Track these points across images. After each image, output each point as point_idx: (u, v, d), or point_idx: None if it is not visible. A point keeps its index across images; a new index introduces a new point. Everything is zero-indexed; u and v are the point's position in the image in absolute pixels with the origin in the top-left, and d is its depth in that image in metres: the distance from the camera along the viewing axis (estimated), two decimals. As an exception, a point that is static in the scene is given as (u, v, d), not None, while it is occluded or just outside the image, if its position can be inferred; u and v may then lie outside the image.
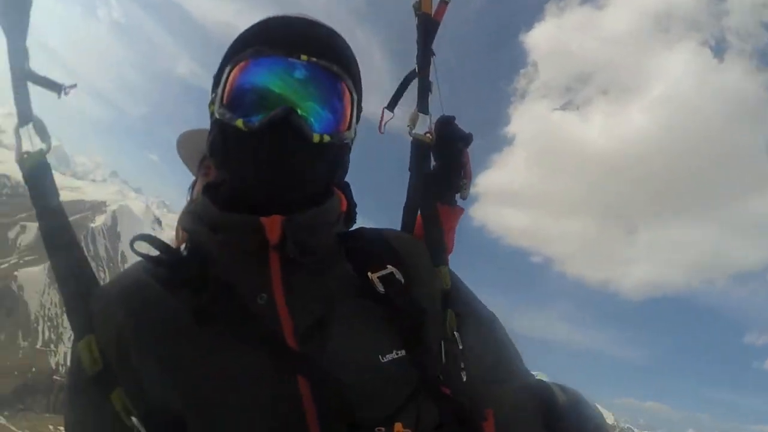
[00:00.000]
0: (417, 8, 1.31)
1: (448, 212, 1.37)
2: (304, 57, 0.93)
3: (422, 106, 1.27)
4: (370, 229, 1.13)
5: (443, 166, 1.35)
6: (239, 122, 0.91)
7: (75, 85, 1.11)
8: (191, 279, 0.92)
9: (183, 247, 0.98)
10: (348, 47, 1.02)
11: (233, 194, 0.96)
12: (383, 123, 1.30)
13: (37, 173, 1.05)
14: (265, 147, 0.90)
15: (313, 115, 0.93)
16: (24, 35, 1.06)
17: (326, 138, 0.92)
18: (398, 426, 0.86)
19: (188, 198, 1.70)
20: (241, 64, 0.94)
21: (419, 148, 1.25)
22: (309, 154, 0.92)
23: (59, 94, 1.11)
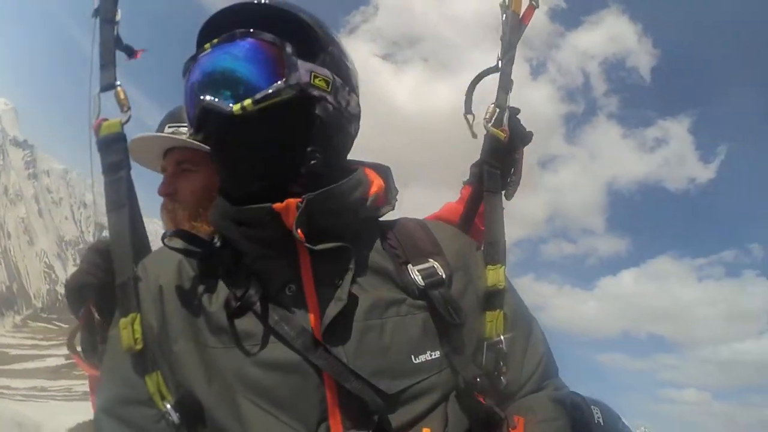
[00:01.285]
0: (506, 6, 1.29)
1: None
2: (207, 46, 0.93)
3: (500, 102, 1.24)
4: (412, 219, 1.10)
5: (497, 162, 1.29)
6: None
7: (145, 50, 1.16)
8: (223, 271, 0.93)
9: (216, 237, 0.98)
10: (264, 4, 0.96)
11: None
12: (472, 126, 1.27)
13: (111, 143, 1.06)
14: (211, 142, 0.94)
15: (226, 86, 0.89)
16: (115, 2, 1.10)
17: (247, 102, 0.87)
18: (425, 431, 0.85)
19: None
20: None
21: (492, 144, 1.22)
22: (249, 129, 0.89)
23: (130, 56, 1.17)
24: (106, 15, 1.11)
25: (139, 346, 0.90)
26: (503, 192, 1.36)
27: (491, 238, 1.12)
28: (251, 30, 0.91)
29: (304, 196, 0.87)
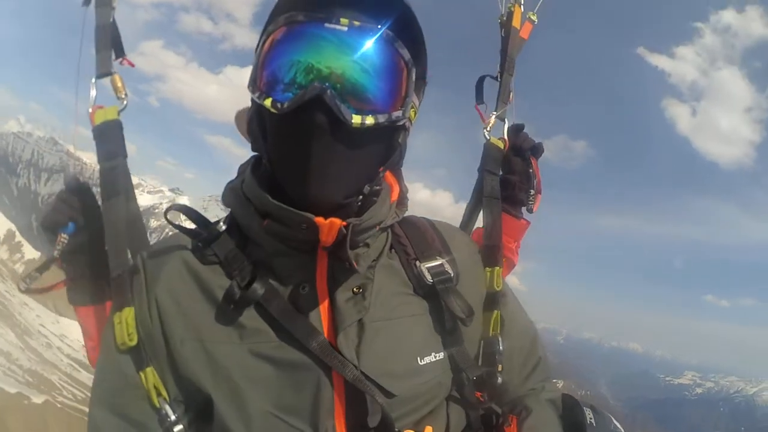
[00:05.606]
0: (504, 21, 1.33)
1: (514, 225, 1.34)
2: (344, 21, 0.79)
3: (500, 113, 1.28)
4: (421, 218, 1.10)
5: (511, 176, 1.33)
6: (268, 102, 0.80)
7: (131, 65, 1.15)
8: (227, 257, 0.89)
9: (222, 220, 0.94)
10: (403, 2, 0.84)
11: (278, 181, 0.87)
12: (483, 116, 1.30)
13: (107, 129, 1.04)
14: (297, 131, 0.79)
15: (354, 93, 0.79)
16: None
17: (369, 120, 0.79)
18: (428, 429, 0.86)
19: None
20: (273, 35, 0.83)
21: (492, 153, 1.25)
22: (349, 140, 0.80)
23: (119, 59, 1.14)
24: (102, 5, 1.09)
25: (133, 342, 0.87)
26: (525, 206, 1.37)
27: (490, 241, 1.16)
28: (398, 37, 0.82)
29: (349, 221, 0.83)
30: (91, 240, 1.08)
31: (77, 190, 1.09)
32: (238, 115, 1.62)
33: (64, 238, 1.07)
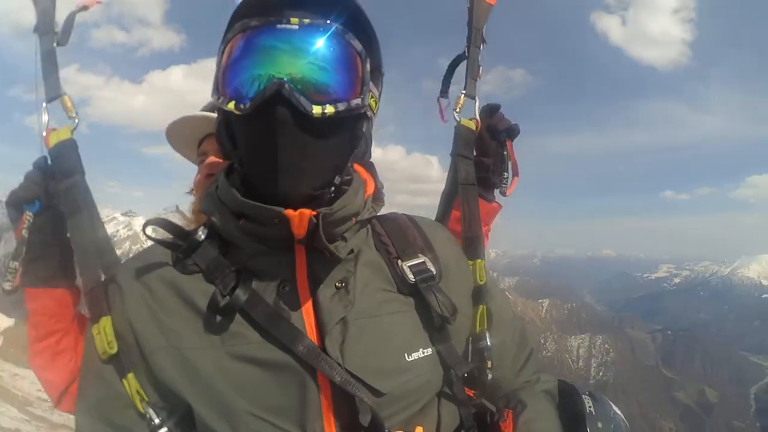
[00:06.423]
0: None
1: (485, 208, 1.28)
2: (294, 20, 0.82)
3: (470, 91, 1.22)
4: (402, 215, 1.08)
5: (484, 158, 1.28)
6: (231, 105, 0.82)
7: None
8: (209, 265, 0.88)
9: (201, 229, 0.93)
10: None
11: (250, 182, 0.87)
12: (443, 110, 1.24)
13: (62, 149, 1.06)
14: (262, 129, 0.81)
15: (311, 85, 0.82)
16: (53, 7, 1.12)
17: (329, 109, 0.81)
18: (419, 429, 0.84)
19: (192, 188, 1.59)
20: (230, 41, 0.86)
21: (464, 136, 1.20)
22: (313, 132, 0.82)
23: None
24: (45, 27, 1.12)
25: (113, 350, 0.89)
26: (498, 189, 1.33)
27: (469, 233, 1.11)
28: (348, 30, 0.85)
29: (319, 211, 0.83)
30: (53, 221, 1.10)
31: (44, 169, 1.09)
32: (169, 130, 1.55)
33: (29, 216, 1.07)
